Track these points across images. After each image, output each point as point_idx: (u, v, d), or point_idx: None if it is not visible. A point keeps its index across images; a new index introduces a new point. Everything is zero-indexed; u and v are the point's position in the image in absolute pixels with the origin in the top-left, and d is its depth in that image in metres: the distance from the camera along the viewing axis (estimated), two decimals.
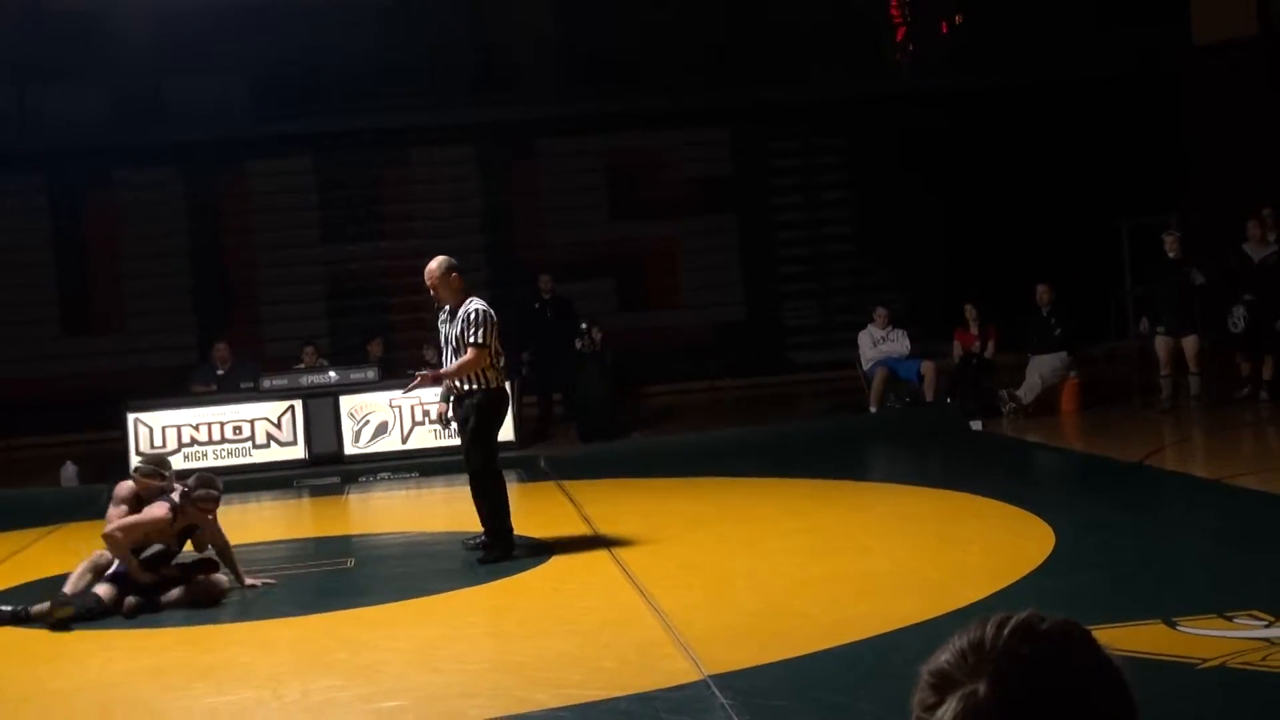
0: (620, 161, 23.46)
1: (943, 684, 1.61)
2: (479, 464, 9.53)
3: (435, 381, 9.70)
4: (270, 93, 22.62)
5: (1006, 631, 1.61)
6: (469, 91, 22.81)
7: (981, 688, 1.56)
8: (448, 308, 9.74)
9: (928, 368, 16.25)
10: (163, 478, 8.99)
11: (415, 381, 9.94)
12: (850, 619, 7.10)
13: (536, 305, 18.65)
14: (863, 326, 16.98)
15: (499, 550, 9.31)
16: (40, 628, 8.18)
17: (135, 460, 9.61)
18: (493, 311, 9.75)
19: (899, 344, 16.60)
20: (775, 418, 17.47)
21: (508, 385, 9.95)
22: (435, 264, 9.77)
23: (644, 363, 20.35)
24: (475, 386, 9.53)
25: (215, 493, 8.80)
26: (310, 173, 23.31)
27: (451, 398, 9.66)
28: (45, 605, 8.35)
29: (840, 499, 11.43)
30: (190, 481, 8.85)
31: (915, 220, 22.30)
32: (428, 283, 9.79)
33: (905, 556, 8.81)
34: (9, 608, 8.46)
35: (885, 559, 8.74)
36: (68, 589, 8.42)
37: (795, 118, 23.47)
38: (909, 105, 22.36)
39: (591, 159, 23.41)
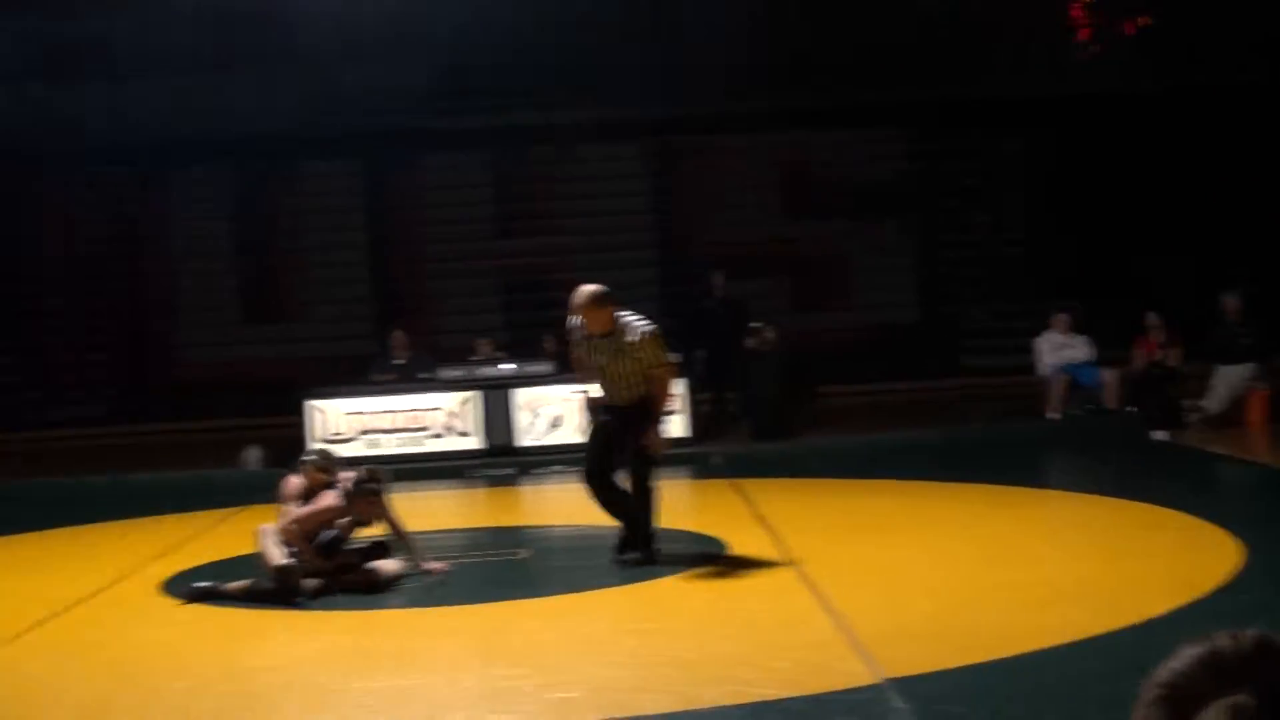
0: (794, 160, 23.38)
1: (1177, 696, 1.55)
2: (646, 473, 9.15)
3: (656, 423, 9.08)
4: (448, 88, 22.94)
5: (1249, 645, 1.55)
6: (643, 88, 22.88)
7: (1245, 698, 1.50)
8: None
9: (1109, 375, 15.94)
10: (330, 471, 9.17)
11: (648, 436, 9.05)
12: (1028, 628, 6.97)
13: (709, 303, 18.66)
14: (1039, 331, 16.71)
15: (652, 550, 9.15)
16: (230, 605, 8.40)
17: (311, 448, 9.71)
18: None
19: (1080, 350, 16.31)
20: (948, 422, 17.28)
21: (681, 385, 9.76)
22: (584, 295, 9.14)
23: (816, 363, 20.23)
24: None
25: (379, 486, 8.95)
26: (486, 167, 23.61)
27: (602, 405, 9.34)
28: (242, 583, 8.59)
29: (1016, 505, 11.25)
30: (358, 474, 8.99)
31: (1095, 224, 21.89)
32: (576, 313, 9.22)
33: (1084, 567, 8.63)
34: (207, 583, 8.73)
35: (1063, 569, 8.56)
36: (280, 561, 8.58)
37: (972, 118, 23.18)
38: (1090, 107, 21.95)
39: (765, 157, 23.35)
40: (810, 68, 22.60)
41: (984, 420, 17.54)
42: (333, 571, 8.72)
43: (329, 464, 9.23)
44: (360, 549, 8.93)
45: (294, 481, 9.22)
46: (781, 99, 22.65)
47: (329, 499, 8.85)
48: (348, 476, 9.05)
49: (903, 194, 23.11)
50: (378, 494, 8.88)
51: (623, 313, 9.23)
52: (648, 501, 9.18)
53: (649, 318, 9.37)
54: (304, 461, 9.26)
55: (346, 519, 8.85)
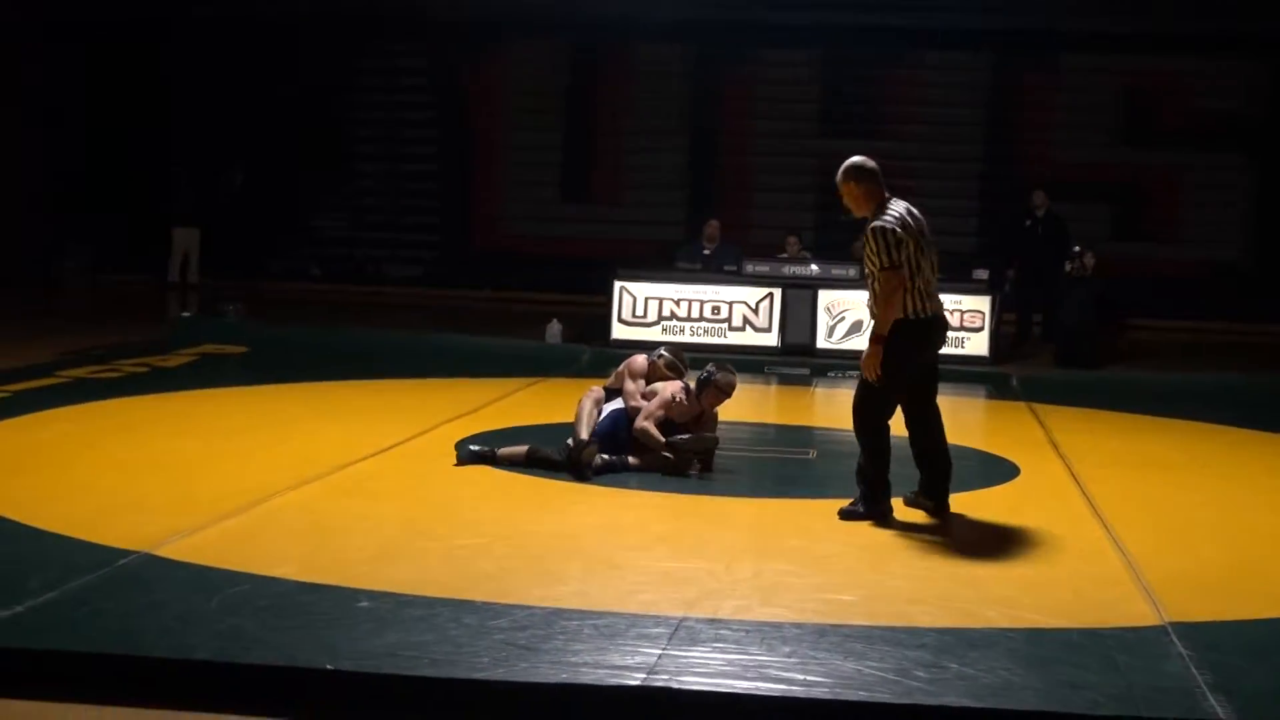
0: (1137, 85, 22.59)
1: None
2: (859, 404, 7.80)
3: (879, 342, 7.52)
4: None
5: None
6: None
7: None
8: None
9: None
10: (679, 372, 9.36)
11: (864, 358, 7.62)
12: None
13: (1028, 222, 18.25)
14: None
15: (865, 508, 7.76)
16: (511, 470, 8.66)
17: (665, 347, 9.81)
18: (901, 228, 7.59)
19: None
20: (1267, 368, 16.57)
21: (929, 312, 7.65)
22: (845, 167, 7.85)
23: (1133, 294, 19.60)
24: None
25: (735, 380, 9.11)
26: (817, 64, 23.39)
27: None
28: (518, 449, 8.87)
29: None
30: (710, 367, 9.16)
31: None
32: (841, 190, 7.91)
33: None
34: (478, 447, 9.00)
35: None
36: (585, 433, 8.81)
37: None
38: None
39: (1107, 79, 22.60)
40: None
41: None
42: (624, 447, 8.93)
43: (678, 365, 9.41)
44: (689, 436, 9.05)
45: (641, 363, 9.38)
46: (1131, 22, 21.82)
47: (674, 390, 9.05)
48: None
49: (1247, 130, 22.11)
50: (725, 389, 9.04)
51: (889, 202, 7.79)
52: (865, 449, 7.83)
53: (903, 211, 7.73)
54: (658, 356, 9.43)
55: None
